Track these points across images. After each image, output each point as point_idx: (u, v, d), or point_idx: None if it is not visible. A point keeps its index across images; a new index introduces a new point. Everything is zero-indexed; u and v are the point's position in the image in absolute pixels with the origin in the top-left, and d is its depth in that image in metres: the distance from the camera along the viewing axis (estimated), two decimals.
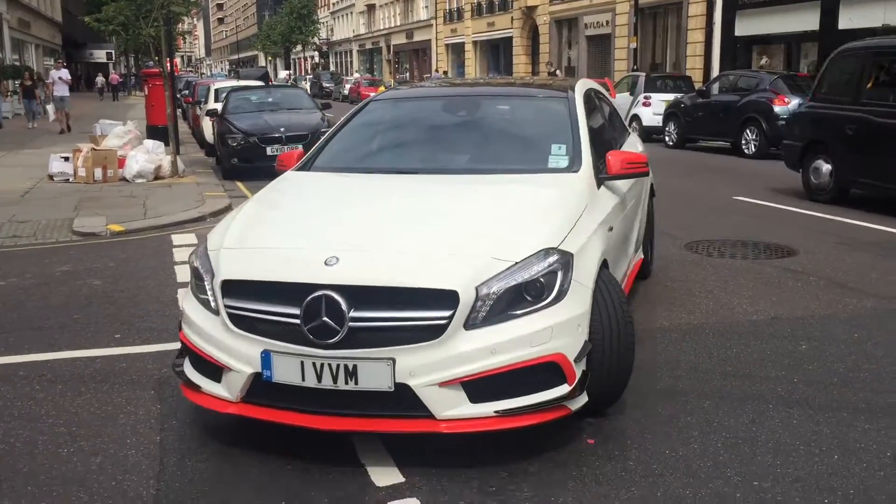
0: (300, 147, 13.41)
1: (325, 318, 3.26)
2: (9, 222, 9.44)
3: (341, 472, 3.46)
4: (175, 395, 4.34)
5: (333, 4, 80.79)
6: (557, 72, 35.08)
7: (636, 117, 20.52)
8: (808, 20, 22.72)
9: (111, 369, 4.77)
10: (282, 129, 13.76)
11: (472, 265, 3.35)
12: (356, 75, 60.25)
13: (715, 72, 26.41)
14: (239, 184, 13.14)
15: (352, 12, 74.18)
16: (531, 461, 3.50)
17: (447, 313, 3.24)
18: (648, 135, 19.16)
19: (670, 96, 19.76)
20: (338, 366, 3.27)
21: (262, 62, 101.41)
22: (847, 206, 9.86)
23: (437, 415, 3.29)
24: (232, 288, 3.50)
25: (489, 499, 3.23)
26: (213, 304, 3.57)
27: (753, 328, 5.32)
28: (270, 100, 15.66)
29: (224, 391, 3.56)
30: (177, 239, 8.59)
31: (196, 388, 3.71)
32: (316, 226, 3.86)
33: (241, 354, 3.44)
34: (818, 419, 3.91)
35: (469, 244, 3.51)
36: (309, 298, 3.28)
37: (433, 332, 3.24)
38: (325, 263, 3.35)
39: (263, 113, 14.62)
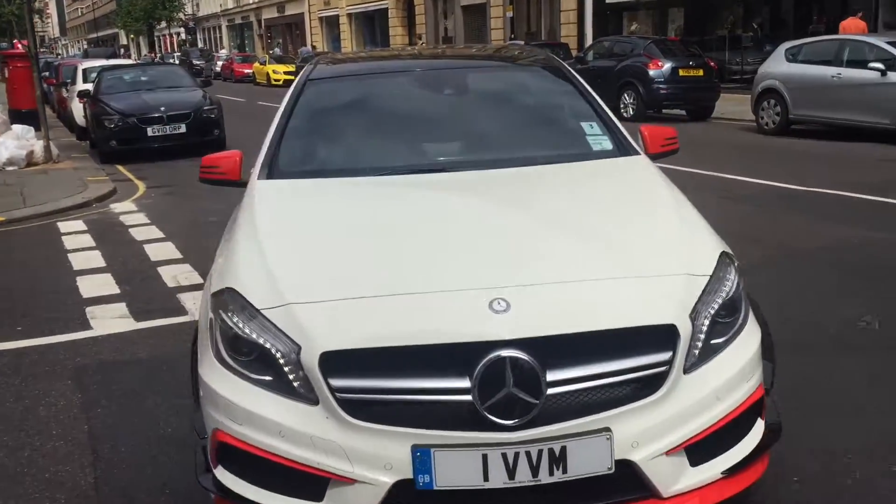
0: (182, 127, 13.17)
1: (513, 389, 2.25)
2: None
3: None
4: (97, 383, 4.23)
5: None
6: (423, 44, 35.11)
7: None
8: None
9: (20, 363, 4.58)
10: (162, 108, 13.27)
11: (675, 288, 2.50)
12: (225, 52, 58.41)
13: (588, 39, 27.12)
14: (120, 167, 12.62)
15: None
16: None
17: (665, 356, 2.38)
18: None
19: None
20: (539, 452, 2.29)
21: (123, 41, 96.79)
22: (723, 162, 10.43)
23: (664, 493, 2.42)
24: (338, 362, 2.32)
25: None
26: (297, 386, 2.36)
27: None
28: (146, 78, 15.05)
29: None
30: (63, 226, 8.22)
31: None
32: (415, 258, 2.69)
33: (373, 457, 2.31)
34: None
35: (646, 259, 2.64)
36: (484, 364, 2.25)
37: (651, 385, 2.37)
38: (492, 309, 2.34)
39: (140, 92, 14.05)
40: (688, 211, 3.08)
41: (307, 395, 2.35)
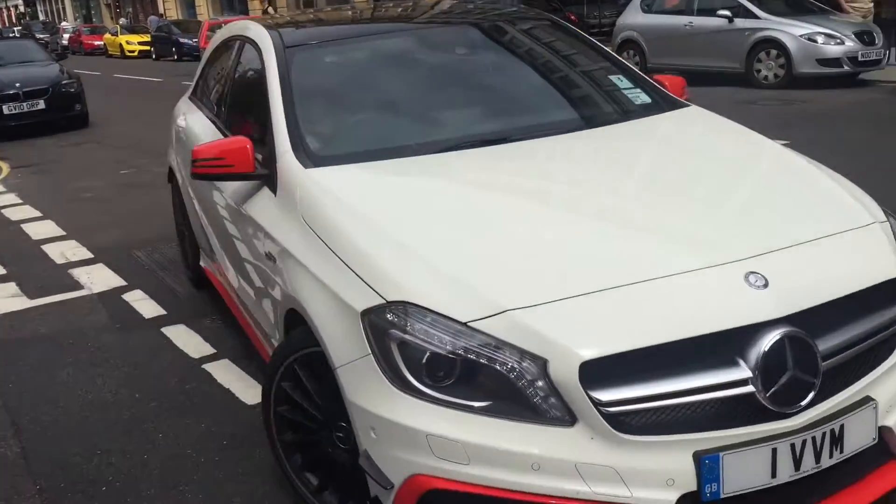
0: (41, 103, 12.55)
1: (795, 371, 2.04)
2: None
3: None
4: (3, 360, 4.19)
5: None
6: (270, 9, 34.30)
7: None
8: None
9: None
10: (17, 84, 12.57)
11: (881, 238, 2.40)
12: (70, 24, 55.16)
13: None
14: None
15: None
16: None
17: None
18: None
19: None
20: (822, 435, 2.08)
21: None
22: None
23: None
24: (599, 371, 1.97)
25: None
26: (545, 407, 2.00)
27: None
28: None
29: None
30: None
31: None
32: (615, 237, 2.39)
33: (652, 474, 1.99)
34: None
35: (838, 213, 2.50)
36: (763, 347, 2.01)
37: (890, 343, 2.25)
38: (749, 284, 2.10)
39: None
40: (805, 158, 2.92)
41: (558, 416, 1.99)
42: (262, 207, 3.00)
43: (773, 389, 2.02)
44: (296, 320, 2.60)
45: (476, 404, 2.03)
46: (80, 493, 2.99)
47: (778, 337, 2.02)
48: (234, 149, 3.03)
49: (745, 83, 12.03)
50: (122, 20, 44.56)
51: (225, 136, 3.74)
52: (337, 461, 2.49)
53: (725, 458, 1.99)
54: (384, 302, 2.16)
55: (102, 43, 39.40)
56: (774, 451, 2.03)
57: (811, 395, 2.06)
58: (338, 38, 3.92)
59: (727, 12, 12.36)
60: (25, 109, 12.57)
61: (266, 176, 3.02)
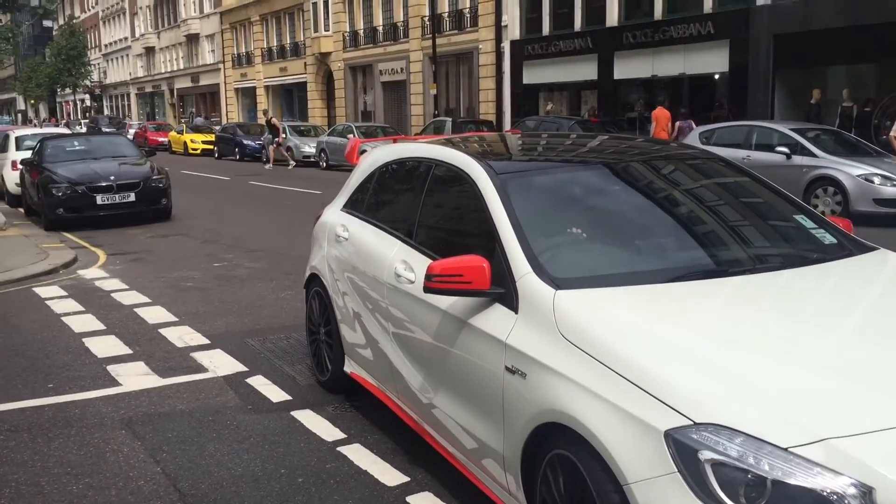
0: (132, 195, 13.37)
1: None
2: None
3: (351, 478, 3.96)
4: (150, 432, 4.59)
5: (106, 46, 77.14)
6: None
7: None
8: (587, 71, 25.33)
9: (66, 416, 4.88)
10: (112, 178, 13.47)
11: None
12: (136, 121, 57.94)
13: (507, 116, 28.57)
14: (68, 235, 12.70)
15: (128, 55, 71.24)
16: None
17: None
18: None
19: None
20: None
21: (20, 106, 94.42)
22: None
23: None
24: None
25: None
26: None
27: None
28: (89, 148, 15.17)
29: None
30: (41, 292, 8.37)
31: None
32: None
33: None
34: None
35: None
36: None
37: None
38: None
39: (87, 161, 14.19)
40: None
41: None
42: (499, 320, 3.16)
43: None
44: (548, 435, 2.79)
45: None
46: None
47: None
48: (473, 266, 3.20)
49: None
50: (199, 119, 46.70)
51: (421, 253, 3.95)
52: None
53: None
54: (691, 423, 2.31)
55: (166, 140, 41.28)
56: None
57: None
58: (542, 169, 4.08)
59: (785, 149, 12.98)
60: (117, 201, 13.40)
61: (500, 294, 3.21)
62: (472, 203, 3.66)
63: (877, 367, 2.54)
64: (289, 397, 5.10)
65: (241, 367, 5.71)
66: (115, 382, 5.46)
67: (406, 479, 3.94)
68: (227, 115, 52.14)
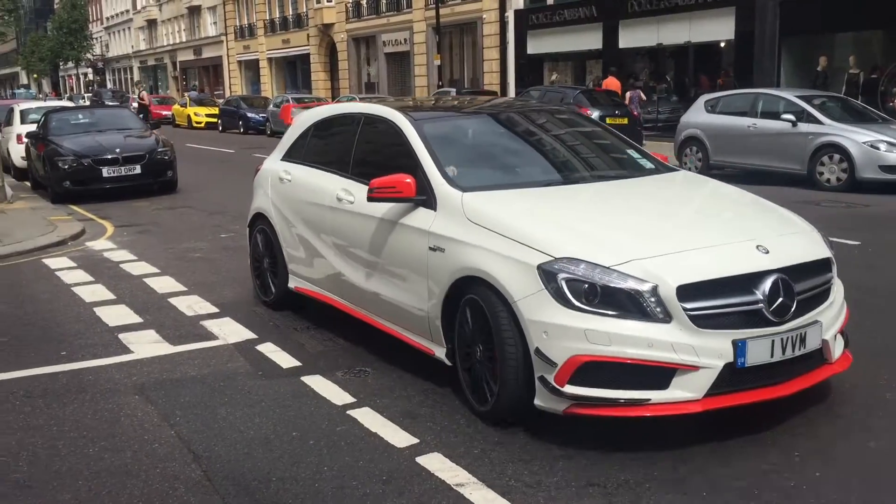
0: (137, 168, 13.42)
1: (783, 298, 3.76)
2: None
3: (363, 440, 4.04)
4: (162, 398, 4.67)
5: (108, 19, 76.71)
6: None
7: None
8: (592, 40, 25.16)
9: (80, 382, 4.96)
10: (117, 150, 13.49)
11: (820, 237, 4.34)
12: (141, 93, 57.78)
13: (511, 87, 28.44)
14: (74, 207, 12.74)
15: (130, 27, 70.87)
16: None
17: (830, 276, 4.20)
18: None
19: None
20: (795, 336, 3.82)
21: (24, 80, 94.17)
22: None
23: (831, 360, 4.10)
24: (686, 292, 3.64)
25: (493, 447, 3.94)
26: (655, 310, 3.63)
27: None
28: (94, 120, 15.17)
29: (683, 393, 3.65)
30: (51, 263, 8.45)
31: (623, 403, 3.67)
32: (673, 227, 4.20)
33: (711, 350, 3.64)
34: None
35: (795, 222, 4.46)
36: (769, 283, 3.75)
37: (827, 294, 4.14)
38: (760, 251, 3.86)
39: (92, 134, 14.20)
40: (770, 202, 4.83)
41: (661, 317, 3.66)
42: (424, 218, 4.55)
43: (772, 307, 3.77)
44: (462, 286, 4.19)
45: (613, 312, 3.68)
46: None
47: (775, 278, 3.80)
48: (403, 181, 4.57)
49: (808, 185, 12.50)
50: (193, 92, 46.49)
51: (357, 181, 5.21)
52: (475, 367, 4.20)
53: (748, 344, 3.71)
54: (552, 257, 3.81)
55: (170, 113, 41.18)
56: (773, 342, 3.77)
57: (791, 311, 3.82)
58: (448, 116, 5.73)
59: (791, 116, 12.92)
60: (123, 173, 13.43)
61: (423, 200, 4.58)
62: (396, 141, 5.03)
63: (662, 226, 4.22)
64: (298, 363, 5.17)
65: (250, 335, 5.78)
66: (126, 350, 5.54)
67: (415, 440, 4.01)
68: (230, 88, 51.96)
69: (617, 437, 3.92)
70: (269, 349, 5.46)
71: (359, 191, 5.07)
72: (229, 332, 5.88)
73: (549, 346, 3.73)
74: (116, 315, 6.37)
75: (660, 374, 3.64)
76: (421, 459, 3.81)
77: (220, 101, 39.56)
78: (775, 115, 13.35)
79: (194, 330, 5.97)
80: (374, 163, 5.31)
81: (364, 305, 5.21)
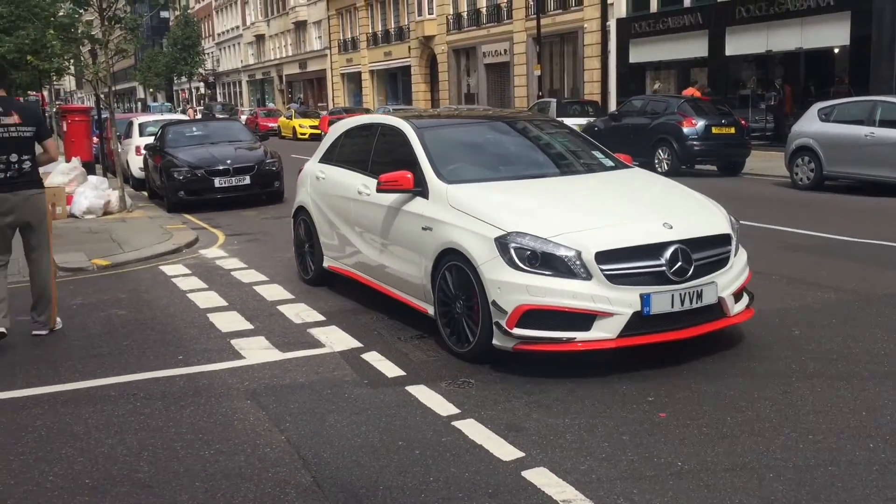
0: (247, 179, 13.89)
1: (682, 263, 4.94)
2: None
3: (467, 452, 4.05)
4: (273, 403, 4.80)
5: (219, 35, 79.94)
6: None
7: None
8: (697, 47, 24.60)
9: (196, 386, 5.16)
10: (228, 161, 14.02)
11: (725, 217, 5.52)
12: (247, 107, 59.83)
13: (612, 96, 28.08)
14: (188, 216, 13.28)
15: (239, 43, 73.66)
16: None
17: (728, 248, 5.32)
18: None
19: (582, 120, 21.01)
20: (693, 292, 4.98)
21: (140, 94, 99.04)
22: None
23: (729, 314, 5.26)
24: (603, 257, 4.87)
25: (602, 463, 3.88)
26: (579, 271, 4.85)
27: (747, 322, 6.12)
28: (207, 133, 15.83)
29: (601, 334, 4.85)
30: (167, 270, 8.84)
31: (557, 341, 4.88)
32: (604, 210, 5.46)
33: (622, 301, 4.83)
34: (837, 385, 4.77)
35: (706, 205, 5.69)
36: (670, 251, 4.93)
37: (725, 262, 5.26)
38: (665, 227, 5.05)
39: (205, 146, 14.81)
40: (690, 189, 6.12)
41: (584, 276, 4.87)
42: (419, 205, 5.83)
43: (672, 269, 4.94)
44: (444, 256, 5.44)
45: (548, 273, 4.91)
46: None
47: (675, 247, 4.98)
48: (403, 176, 5.91)
49: None
50: (295, 104, 47.78)
51: (373, 177, 6.37)
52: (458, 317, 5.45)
53: (653, 297, 4.89)
54: (505, 232, 5.05)
55: (276, 125, 42.48)
56: (672, 296, 4.94)
57: (689, 273, 4.99)
58: (447, 124, 7.15)
59: None
60: (234, 184, 13.94)
61: (419, 191, 5.87)
62: (403, 145, 6.36)
63: (593, 208, 5.52)
64: (403, 373, 5.23)
65: (355, 343, 5.89)
66: (238, 355, 5.73)
67: (521, 454, 3.99)
68: (333, 100, 53.23)
69: (714, 457, 3.79)
70: (374, 358, 5.54)
71: (374, 185, 6.27)
72: (335, 340, 6.01)
73: (502, 298, 4.94)
74: (229, 321, 6.60)
75: (583, 319, 4.84)
76: (527, 474, 3.79)
77: (324, 112, 40.53)
78: (895, 124, 12.72)
79: (302, 337, 6.12)
80: (386, 162, 6.51)
81: (377, 277, 6.53)
